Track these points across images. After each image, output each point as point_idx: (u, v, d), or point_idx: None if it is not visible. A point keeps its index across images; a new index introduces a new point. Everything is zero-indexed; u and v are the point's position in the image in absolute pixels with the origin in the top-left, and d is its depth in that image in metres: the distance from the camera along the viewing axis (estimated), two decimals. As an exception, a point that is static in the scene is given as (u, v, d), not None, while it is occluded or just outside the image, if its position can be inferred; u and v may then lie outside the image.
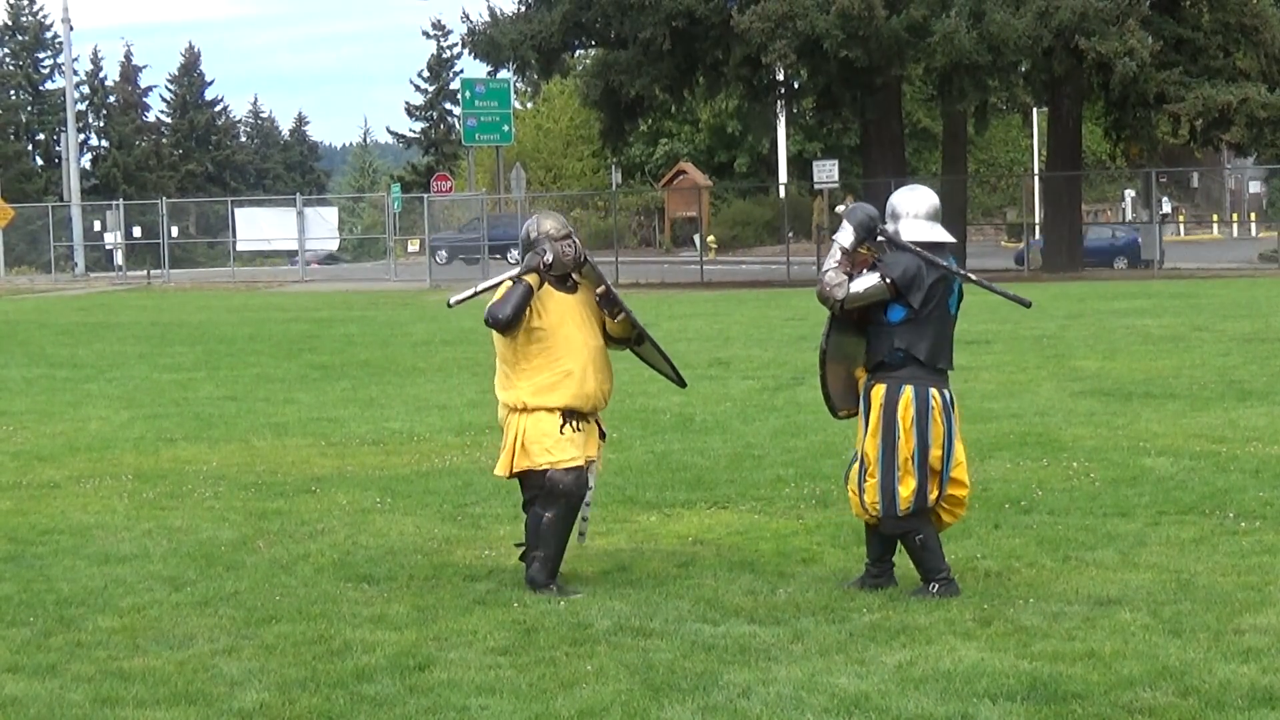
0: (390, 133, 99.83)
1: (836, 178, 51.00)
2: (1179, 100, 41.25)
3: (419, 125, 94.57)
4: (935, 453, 8.35)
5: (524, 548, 9.00)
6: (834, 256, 8.49)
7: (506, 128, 61.38)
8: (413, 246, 61.07)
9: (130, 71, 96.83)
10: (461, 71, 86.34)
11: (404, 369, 21.54)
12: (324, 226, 60.46)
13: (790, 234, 52.13)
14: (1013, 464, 12.48)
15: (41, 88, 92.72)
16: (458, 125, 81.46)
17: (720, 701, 6.73)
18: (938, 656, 7.27)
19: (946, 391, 8.46)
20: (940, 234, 8.56)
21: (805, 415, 15.70)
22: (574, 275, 8.96)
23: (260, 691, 7.01)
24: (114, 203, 61.66)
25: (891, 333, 8.40)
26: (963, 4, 40.16)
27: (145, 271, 55.63)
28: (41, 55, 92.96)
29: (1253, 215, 70.49)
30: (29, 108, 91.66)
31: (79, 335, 29.07)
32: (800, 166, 63.24)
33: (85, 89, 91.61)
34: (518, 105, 73.96)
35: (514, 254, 53.48)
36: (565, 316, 8.83)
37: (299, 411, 17.12)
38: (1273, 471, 11.87)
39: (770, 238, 63.07)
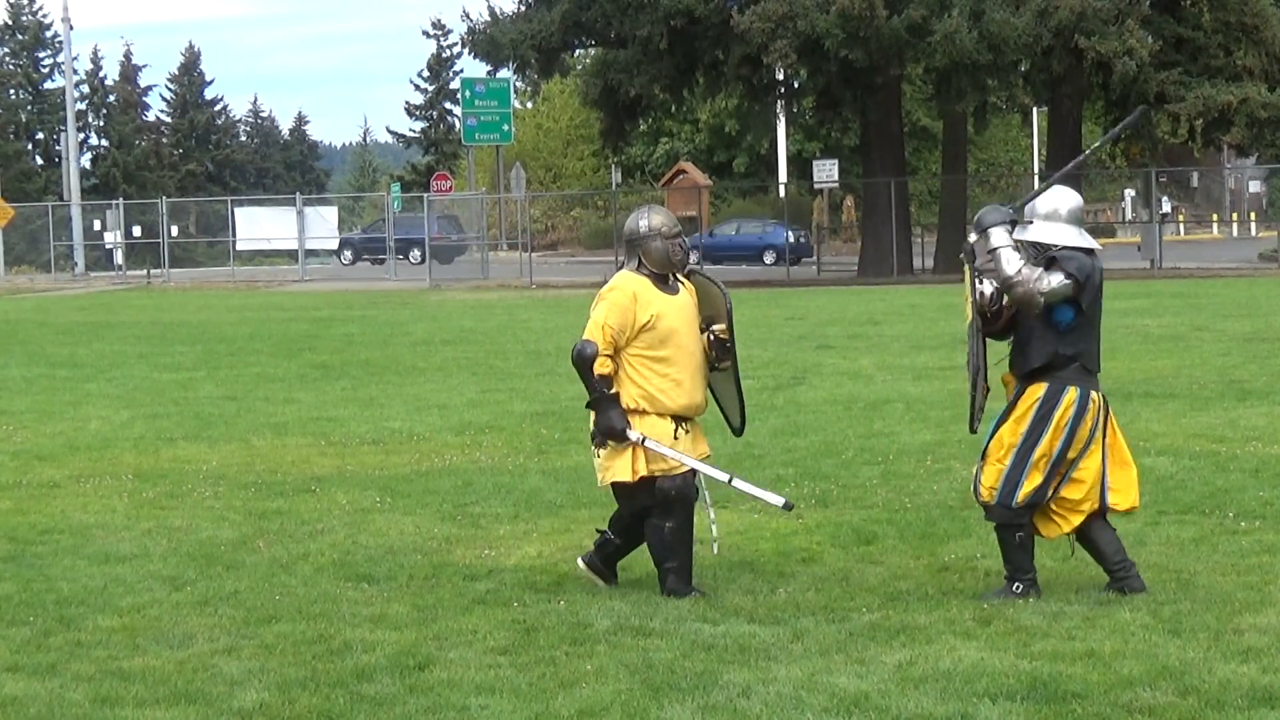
0: (390, 132, 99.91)
1: (836, 177, 51.06)
2: (1179, 100, 41.24)
3: (419, 125, 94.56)
4: (1072, 455, 8.18)
5: (603, 533, 8.81)
6: (1013, 260, 8.07)
7: (506, 127, 61.43)
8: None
9: (130, 71, 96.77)
10: (461, 71, 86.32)
11: (404, 368, 21.54)
12: (324, 226, 60.49)
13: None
14: (1012, 463, 12.46)
15: (41, 87, 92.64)
16: (458, 125, 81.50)
17: (720, 701, 6.73)
18: (937, 656, 7.26)
19: (1102, 395, 8.28)
20: (1086, 240, 8.25)
21: (805, 415, 15.70)
22: (674, 275, 8.66)
23: (260, 691, 7.01)
24: (114, 202, 61.65)
25: (1058, 337, 8.15)
26: (963, 4, 40.15)
27: (145, 271, 55.62)
28: (41, 54, 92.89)
29: (1253, 215, 70.49)
30: (29, 107, 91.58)
31: (79, 335, 29.07)
32: (800, 166, 63.23)
33: (85, 88, 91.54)
34: (518, 105, 74.03)
35: (416, 253, 54.61)
36: (676, 323, 8.54)
37: (299, 411, 17.12)
38: (1272, 471, 11.86)
39: (770, 237, 63.00)
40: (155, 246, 56.74)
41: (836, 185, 53.67)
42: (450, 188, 64.59)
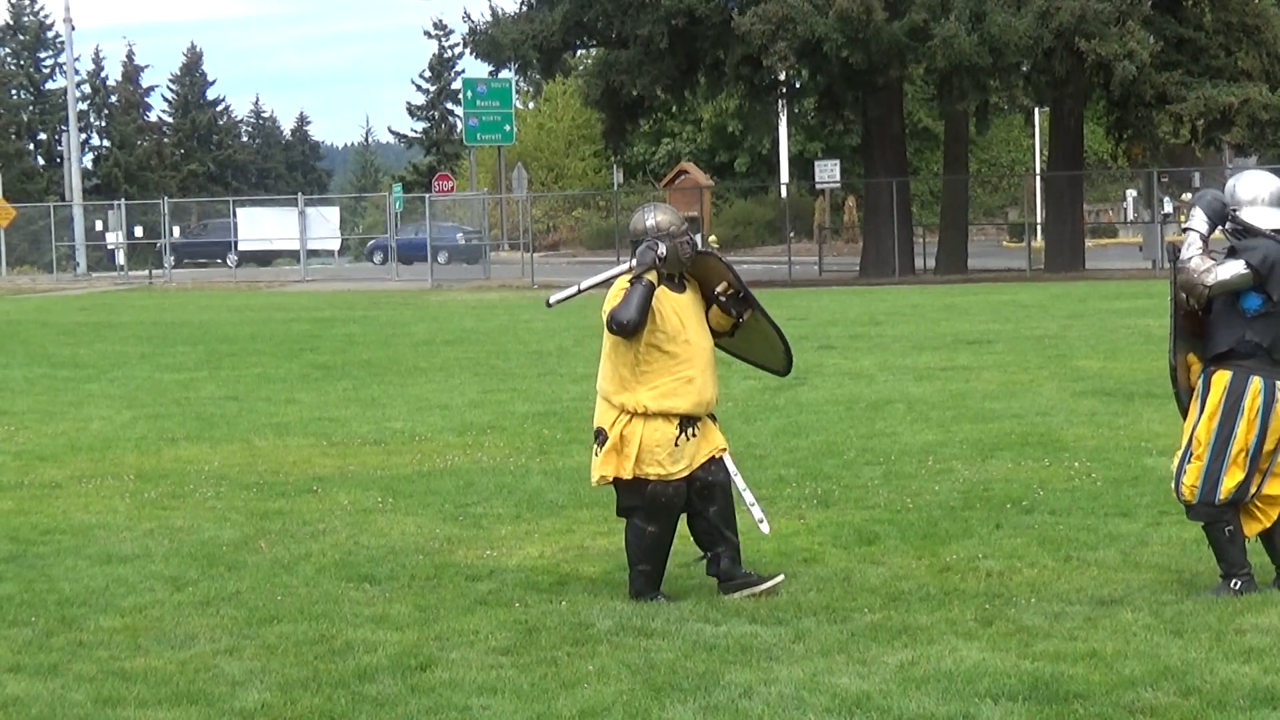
0: (392, 132, 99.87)
1: (838, 178, 51.04)
2: (1181, 100, 41.21)
3: (421, 125, 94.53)
4: (1268, 447, 8.15)
5: (703, 559, 8.65)
6: (1193, 245, 8.11)
7: (508, 127, 61.41)
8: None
9: (132, 71, 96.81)
10: (463, 71, 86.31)
11: (405, 368, 21.54)
12: (326, 226, 60.51)
13: (792, 234, 52.15)
14: (1014, 464, 12.48)
15: (43, 87, 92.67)
16: (459, 125, 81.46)
17: (722, 701, 6.73)
18: (939, 656, 7.26)
19: None
20: None
21: (807, 415, 15.71)
22: (681, 275, 8.49)
23: (262, 691, 7.01)
24: (116, 202, 61.71)
25: (1246, 323, 8.10)
26: (962, 6, 40.12)
27: (147, 271, 55.65)
28: (43, 55, 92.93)
29: (1254, 215, 70.40)
30: (31, 107, 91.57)
31: (81, 335, 29.07)
32: (801, 166, 63.21)
33: (87, 88, 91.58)
34: (519, 105, 74.02)
35: (233, 257, 55.67)
36: (685, 320, 8.42)
37: (300, 411, 17.12)
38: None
39: (772, 238, 63.04)
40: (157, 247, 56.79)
41: (838, 185, 53.64)
42: (452, 188, 64.57)
